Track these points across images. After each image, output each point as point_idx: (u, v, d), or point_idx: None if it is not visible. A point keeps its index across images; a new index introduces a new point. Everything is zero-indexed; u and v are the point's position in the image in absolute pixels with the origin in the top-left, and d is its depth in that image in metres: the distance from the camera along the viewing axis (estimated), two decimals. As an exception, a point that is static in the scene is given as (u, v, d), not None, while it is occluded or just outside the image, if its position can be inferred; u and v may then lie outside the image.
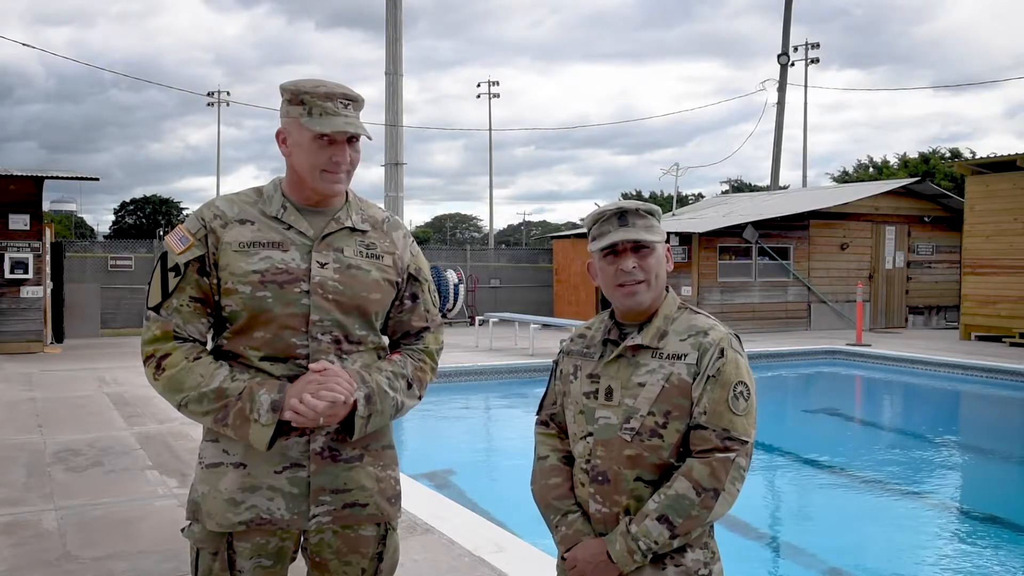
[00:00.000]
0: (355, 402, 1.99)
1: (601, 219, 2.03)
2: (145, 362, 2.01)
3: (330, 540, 2.08)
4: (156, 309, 2.01)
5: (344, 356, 2.05)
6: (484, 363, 11.74)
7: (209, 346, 2.10)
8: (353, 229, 2.10)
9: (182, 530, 2.14)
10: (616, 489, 1.97)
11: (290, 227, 2.05)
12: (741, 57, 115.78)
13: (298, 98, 2.02)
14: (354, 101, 2.05)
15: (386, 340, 2.22)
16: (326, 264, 2.03)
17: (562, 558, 2.06)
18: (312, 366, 1.98)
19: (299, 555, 2.17)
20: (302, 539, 2.12)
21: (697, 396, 1.93)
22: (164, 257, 2.04)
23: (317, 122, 1.99)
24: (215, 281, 2.02)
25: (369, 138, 2.08)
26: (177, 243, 2.03)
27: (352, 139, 2.05)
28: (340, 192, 2.08)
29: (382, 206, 2.24)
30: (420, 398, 2.18)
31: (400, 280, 2.16)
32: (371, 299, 2.07)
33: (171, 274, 2.01)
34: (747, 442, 1.93)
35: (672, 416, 1.94)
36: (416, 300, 2.20)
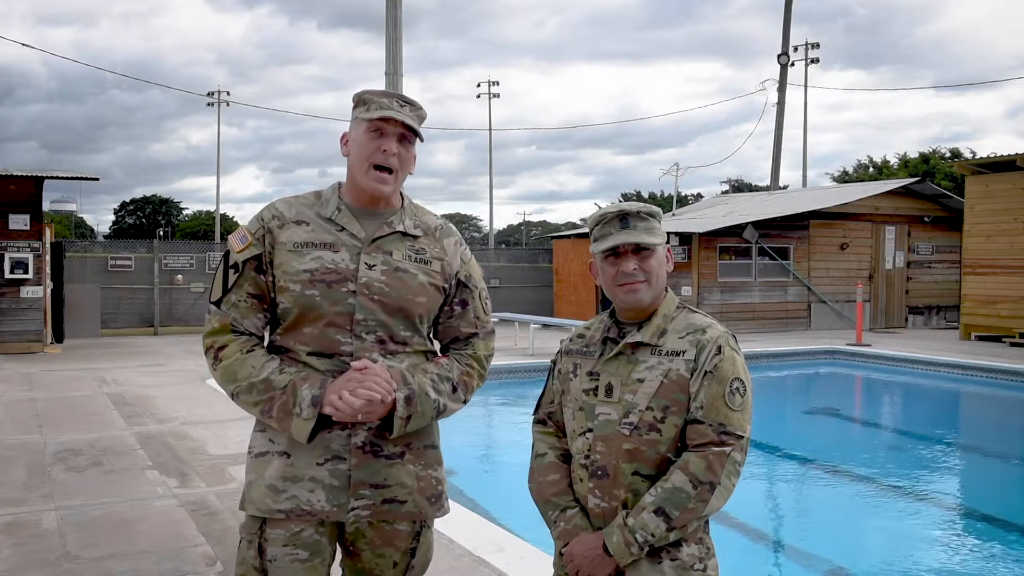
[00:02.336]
0: (394, 401, 2.03)
1: (603, 221, 2.06)
2: (205, 353, 2.13)
3: (365, 530, 2.12)
4: (217, 303, 2.12)
5: (389, 356, 2.10)
6: (484, 363, 11.72)
7: (265, 342, 2.18)
8: (404, 234, 2.17)
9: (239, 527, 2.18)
10: (615, 483, 1.99)
11: (343, 229, 2.13)
12: (743, 57, 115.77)
13: (361, 99, 2.16)
14: (411, 104, 2.15)
15: (436, 345, 2.27)
16: (374, 266, 2.10)
17: (559, 553, 2.07)
18: (354, 364, 2.03)
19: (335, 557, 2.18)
20: (339, 533, 2.15)
21: (695, 391, 1.96)
22: (227, 255, 2.15)
23: (372, 113, 2.11)
24: (271, 279, 2.12)
25: (421, 139, 2.16)
26: (238, 242, 2.14)
27: (404, 139, 2.12)
28: (386, 192, 2.13)
29: (438, 214, 2.32)
30: (465, 402, 2.22)
31: (448, 286, 2.20)
32: (416, 302, 2.13)
33: (231, 271, 2.12)
34: (743, 437, 1.96)
35: (670, 411, 1.96)
36: (466, 307, 2.25)
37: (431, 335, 2.26)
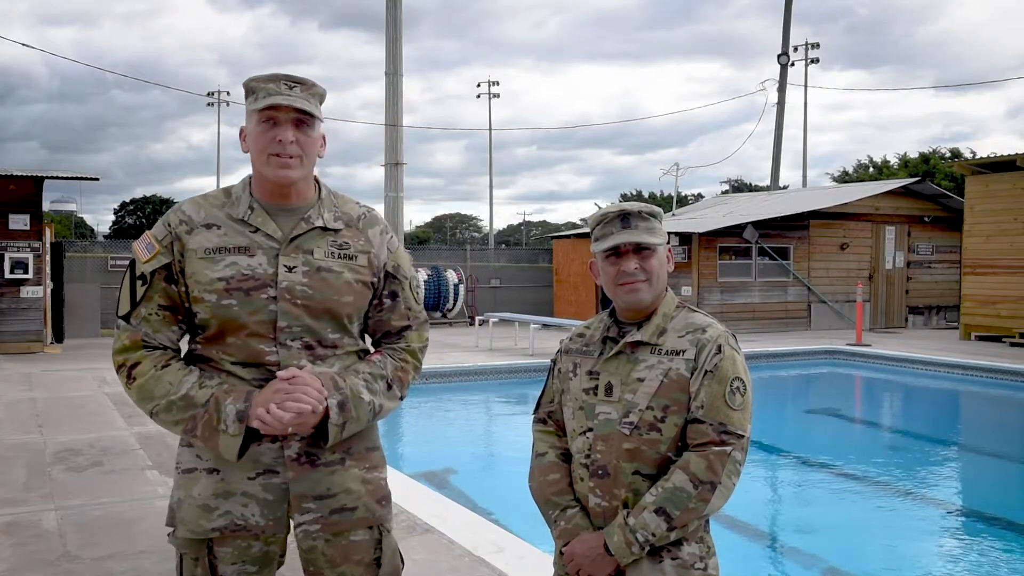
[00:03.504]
0: (327, 409, 1.93)
1: (604, 221, 2.05)
2: (117, 372, 1.99)
3: (323, 548, 2.03)
4: (126, 318, 1.98)
5: (318, 361, 1.99)
6: (484, 363, 11.73)
7: (184, 350, 2.06)
8: (325, 229, 2.03)
9: (167, 536, 2.10)
10: (615, 483, 1.98)
11: (257, 230, 1.98)
12: (744, 57, 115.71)
13: (249, 88, 2.00)
14: (301, 84, 1.98)
15: (367, 342, 2.18)
16: (294, 268, 1.96)
17: (560, 552, 2.07)
18: (280, 373, 1.92)
19: (285, 559, 2.12)
20: (290, 546, 2.08)
21: (695, 391, 1.96)
22: (132, 265, 2.00)
23: (259, 102, 1.95)
24: (183, 289, 1.97)
25: (313, 117, 1.98)
26: (144, 251, 1.99)
27: (301, 123, 1.97)
28: (292, 178, 1.98)
29: (360, 201, 2.18)
30: (402, 399, 2.13)
31: (376, 280, 2.08)
32: (342, 302, 2.01)
33: (139, 283, 1.97)
34: (743, 436, 1.95)
35: (670, 410, 1.96)
36: (396, 299, 2.13)
37: (364, 331, 2.15)
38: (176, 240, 1.98)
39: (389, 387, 2.07)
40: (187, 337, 2.07)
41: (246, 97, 2.01)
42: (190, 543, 2.01)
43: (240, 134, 2.06)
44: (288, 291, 1.95)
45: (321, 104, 2.03)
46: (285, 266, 1.96)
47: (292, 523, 2.04)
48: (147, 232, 2.03)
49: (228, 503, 1.97)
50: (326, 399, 1.93)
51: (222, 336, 1.97)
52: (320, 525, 2.01)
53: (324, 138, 2.07)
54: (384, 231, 2.14)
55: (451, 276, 18.59)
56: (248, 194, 2.03)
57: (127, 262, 2.04)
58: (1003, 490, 7.13)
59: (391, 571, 2.13)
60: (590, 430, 2.03)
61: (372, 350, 2.17)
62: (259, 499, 1.97)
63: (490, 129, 43.90)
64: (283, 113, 1.95)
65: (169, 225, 2.00)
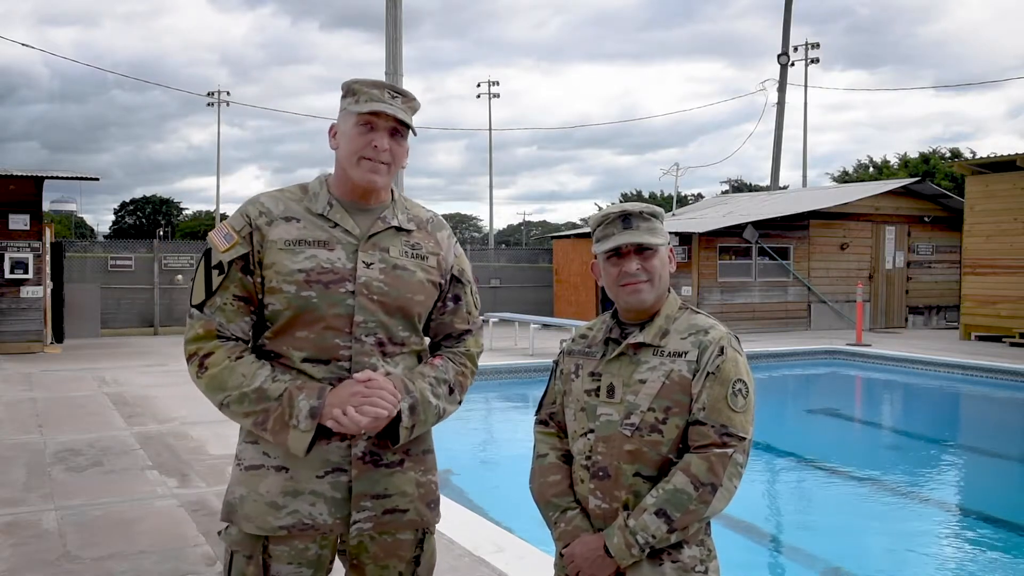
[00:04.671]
0: (399, 412, 1.95)
1: (605, 221, 2.05)
2: (188, 361, 1.99)
3: (368, 544, 2.06)
4: (200, 307, 1.99)
5: (387, 358, 2.02)
6: (484, 363, 11.61)
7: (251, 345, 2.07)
8: (399, 229, 2.08)
9: (219, 533, 2.11)
10: (616, 484, 1.98)
11: (336, 225, 2.02)
12: (744, 57, 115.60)
13: (350, 89, 2.06)
14: (403, 95, 2.05)
15: (427, 342, 2.20)
16: (372, 264, 2.01)
17: (560, 554, 2.07)
18: (356, 376, 1.94)
19: (333, 565, 2.13)
20: (339, 542, 2.09)
21: (696, 392, 1.95)
22: (208, 254, 2.00)
23: (361, 106, 2.01)
24: (259, 280, 1.99)
25: (414, 132, 2.07)
26: (221, 241, 2.00)
27: (396, 133, 2.03)
28: (378, 184, 2.03)
29: (428, 206, 2.22)
30: (460, 403, 2.16)
31: (443, 281, 2.13)
32: (415, 300, 2.05)
33: (215, 272, 1.99)
34: (745, 439, 1.95)
35: (672, 412, 1.96)
36: (459, 302, 2.17)
37: (425, 333, 2.20)
38: (255, 231, 2.00)
39: (451, 391, 2.11)
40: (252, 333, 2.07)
41: (344, 97, 2.06)
42: (247, 540, 2.00)
43: (330, 130, 2.10)
44: (366, 286, 1.99)
45: (413, 115, 2.09)
46: (363, 262, 2.00)
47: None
48: (223, 223, 2.05)
49: (296, 502, 1.97)
50: (399, 402, 1.96)
51: (294, 328, 1.98)
52: (372, 524, 2.02)
53: (407, 149, 2.12)
54: (450, 236, 2.21)
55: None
56: (326, 191, 2.07)
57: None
58: (1003, 490, 7.12)
59: (428, 569, 2.18)
60: (591, 431, 2.03)
61: (430, 352, 2.20)
62: (327, 497, 1.98)
63: (490, 129, 43.89)
64: (383, 120, 2.01)
65: (247, 216, 2.02)
